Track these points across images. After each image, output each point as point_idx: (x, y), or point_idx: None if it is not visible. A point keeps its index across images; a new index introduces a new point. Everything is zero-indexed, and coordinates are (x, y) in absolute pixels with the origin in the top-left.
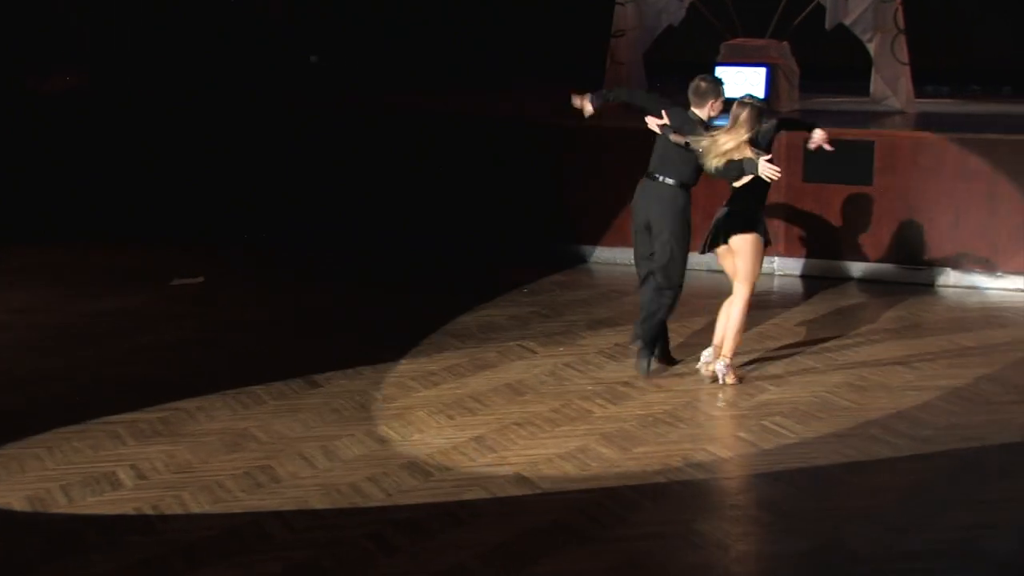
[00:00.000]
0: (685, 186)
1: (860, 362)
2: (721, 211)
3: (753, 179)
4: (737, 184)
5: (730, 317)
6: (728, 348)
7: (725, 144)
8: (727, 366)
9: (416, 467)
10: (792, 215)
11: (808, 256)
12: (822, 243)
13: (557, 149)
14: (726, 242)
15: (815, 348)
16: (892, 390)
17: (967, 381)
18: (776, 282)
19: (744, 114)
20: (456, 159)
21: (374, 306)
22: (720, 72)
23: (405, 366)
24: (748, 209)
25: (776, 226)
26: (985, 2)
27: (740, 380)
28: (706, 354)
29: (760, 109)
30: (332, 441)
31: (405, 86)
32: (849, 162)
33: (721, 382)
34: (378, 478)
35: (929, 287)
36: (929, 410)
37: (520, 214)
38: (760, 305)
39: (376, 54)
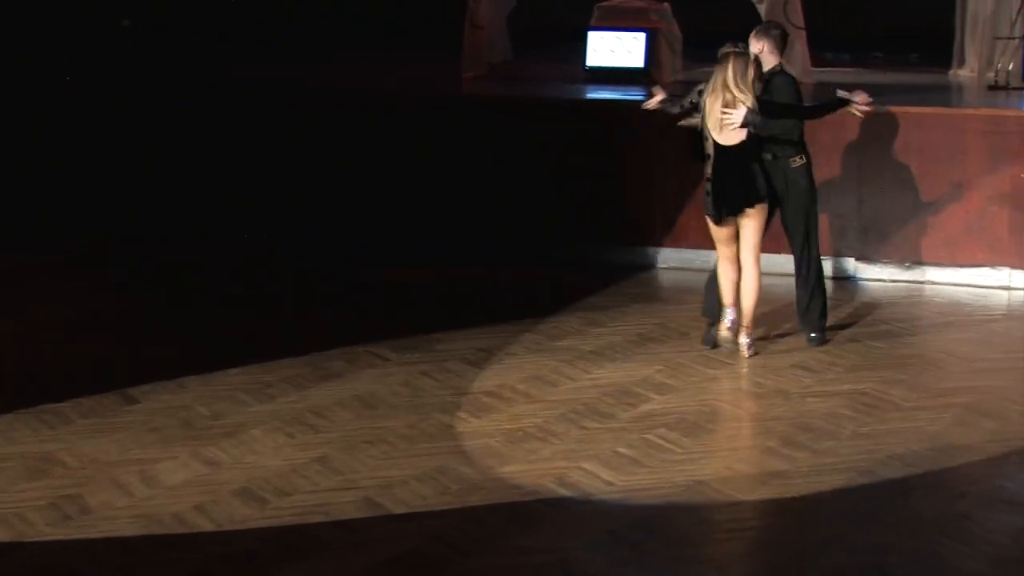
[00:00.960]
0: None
1: (755, 365)
2: (716, 176)
3: (749, 138)
4: (727, 143)
5: (747, 288)
6: (750, 319)
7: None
8: (753, 339)
9: (250, 493)
10: (671, 201)
11: (688, 247)
12: (707, 232)
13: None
14: (739, 212)
15: (702, 350)
16: (790, 396)
17: (873, 385)
18: (661, 277)
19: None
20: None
21: (207, 308)
22: (594, 38)
23: (237, 377)
24: (749, 172)
25: (650, 215)
26: None
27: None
28: (729, 320)
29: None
30: (152, 465)
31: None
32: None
33: (747, 355)
34: (206, 507)
35: (831, 279)
36: (831, 419)
37: (390, 211)
38: (643, 301)
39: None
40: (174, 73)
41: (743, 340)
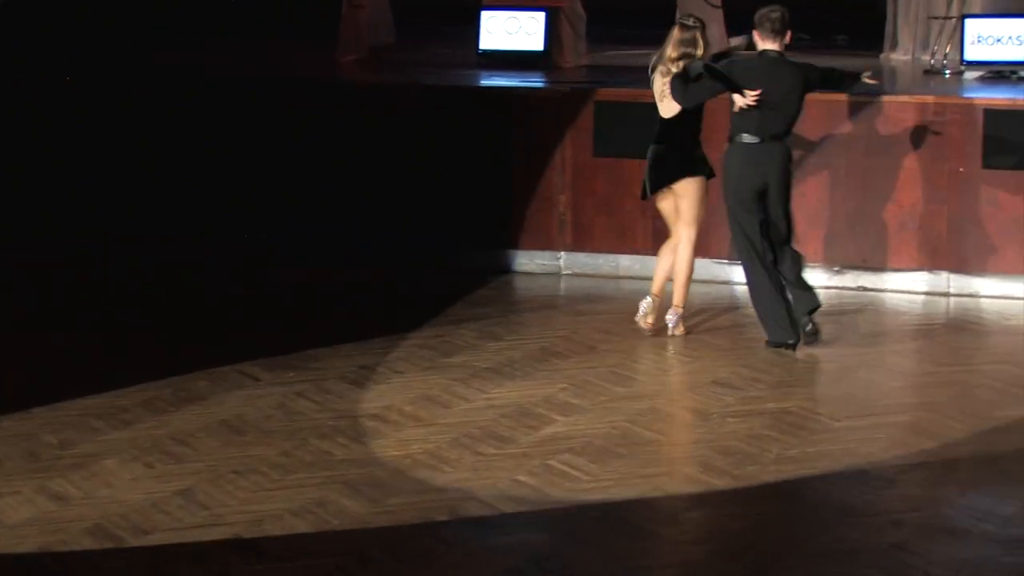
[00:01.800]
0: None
1: (671, 383)
2: (654, 150)
3: (685, 112)
4: (667, 116)
5: (678, 263)
6: (680, 297)
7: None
8: (680, 317)
9: (103, 532)
10: (578, 198)
11: (595, 251)
12: (618, 234)
13: None
14: (669, 185)
15: (612, 366)
16: (710, 417)
17: (800, 403)
18: (564, 283)
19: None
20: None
21: (56, 325)
22: (487, 18)
23: (89, 401)
24: (685, 146)
25: (545, 216)
26: None
27: (687, 333)
28: (645, 305)
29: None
30: None
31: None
32: (649, 130)
33: (671, 333)
34: (53, 547)
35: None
36: (754, 441)
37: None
38: (542, 311)
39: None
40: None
41: (670, 317)
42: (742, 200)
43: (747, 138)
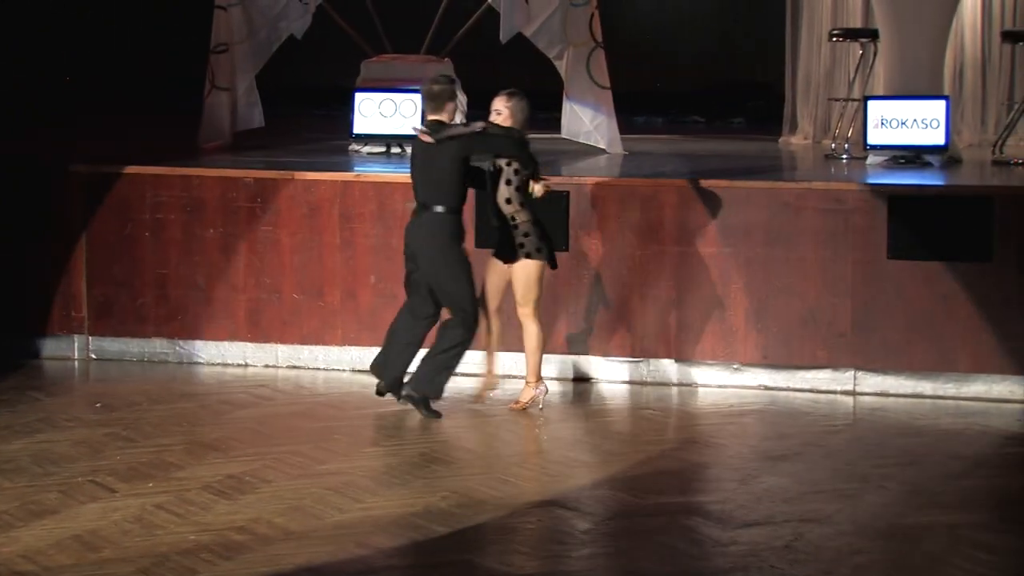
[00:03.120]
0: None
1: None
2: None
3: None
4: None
5: (528, 340)
6: (534, 371)
7: None
8: (541, 390)
9: None
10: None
11: (475, 348)
12: (502, 328)
13: None
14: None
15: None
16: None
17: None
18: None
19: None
20: None
21: None
22: (360, 100)
23: None
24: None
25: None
26: (704, 3)
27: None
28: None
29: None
30: None
31: None
32: None
33: (541, 406)
34: None
35: (639, 384)
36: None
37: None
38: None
39: None
40: None
41: (537, 392)
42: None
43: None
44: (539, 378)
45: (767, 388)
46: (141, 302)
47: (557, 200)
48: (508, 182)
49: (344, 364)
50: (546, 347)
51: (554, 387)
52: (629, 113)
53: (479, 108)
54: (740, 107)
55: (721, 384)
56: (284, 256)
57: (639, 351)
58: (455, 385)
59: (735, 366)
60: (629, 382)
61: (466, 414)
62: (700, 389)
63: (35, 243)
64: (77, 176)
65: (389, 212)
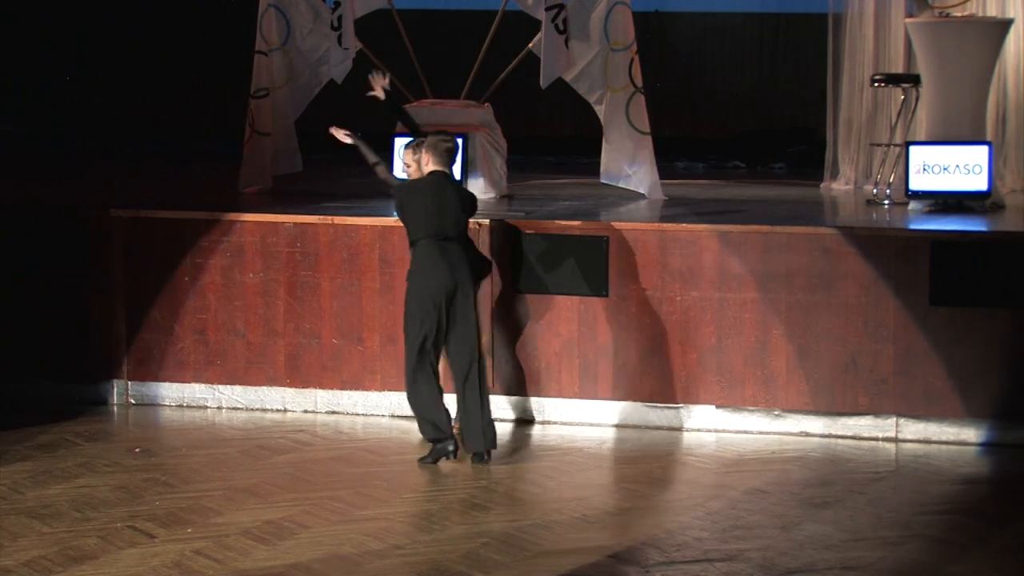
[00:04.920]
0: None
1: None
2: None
3: None
4: None
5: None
6: None
7: None
8: None
9: None
10: (500, 336)
11: (510, 392)
12: (540, 373)
13: None
14: None
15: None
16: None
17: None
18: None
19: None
20: None
21: None
22: (400, 145)
23: None
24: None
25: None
26: (750, 47)
27: None
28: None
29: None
30: None
31: None
32: (577, 266)
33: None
34: None
35: (678, 430)
36: None
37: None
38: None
39: None
40: None
41: None
42: None
43: None
44: None
45: (808, 434)
46: (180, 347)
47: (597, 245)
48: None
49: (383, 409)
50: (585, 394)
51: (595, 433)
52: (669, 158)
53: (518, 154)
54: (781, 152)
55: (762, 430)
56: (324, 301)
57: (680, 397)
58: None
59: (776, 412)
60: (669, 428)
61: (507, 460)
62: (741, 435)
63: (75, 288)
64: (117, 221)
65: None
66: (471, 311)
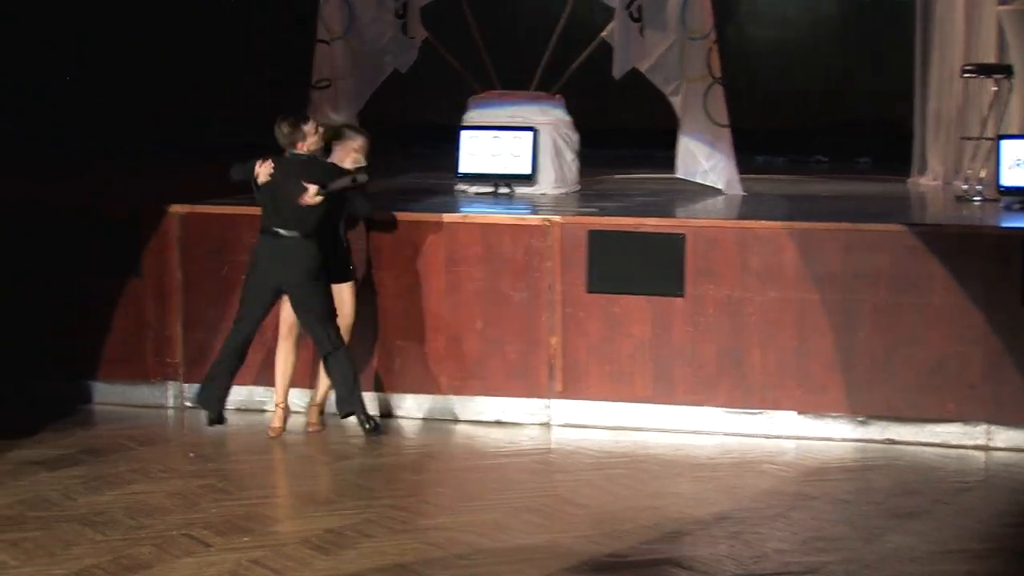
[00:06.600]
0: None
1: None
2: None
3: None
4: None
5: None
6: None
7: None
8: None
9: None
10: (570, 338)
11: (580, 397)
12: (611, 377)
13: None
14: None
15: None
16: None
17: None
18: (555, 436)
19: None
20: None
21: None
22: (467, 137)
23: (15, 572)
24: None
25: (546, 355)
26: (832, 37)
27: None
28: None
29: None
30: None
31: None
32: (651, 264)
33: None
34: None
35: (757, 437)
36: None
37: None
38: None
39: None
40: None
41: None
42: None
43: None
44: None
45: (893, 442)
46: None
47: (672, 243)
48: None
49: (447, 414)
50: (659, 398)
51: (670, 439)
52: (748, 152)
53: (590, 147)
54: (866, 146)
55: (845, 437)
56: (387, 300)
57: (758, 402)
58: (543, 434)
59: (860, 419)
60: (748, 435)
61: (577, 467)
62: (823, 443)
63: (129, 287)
64: (173, 217)
65: (497, 255)
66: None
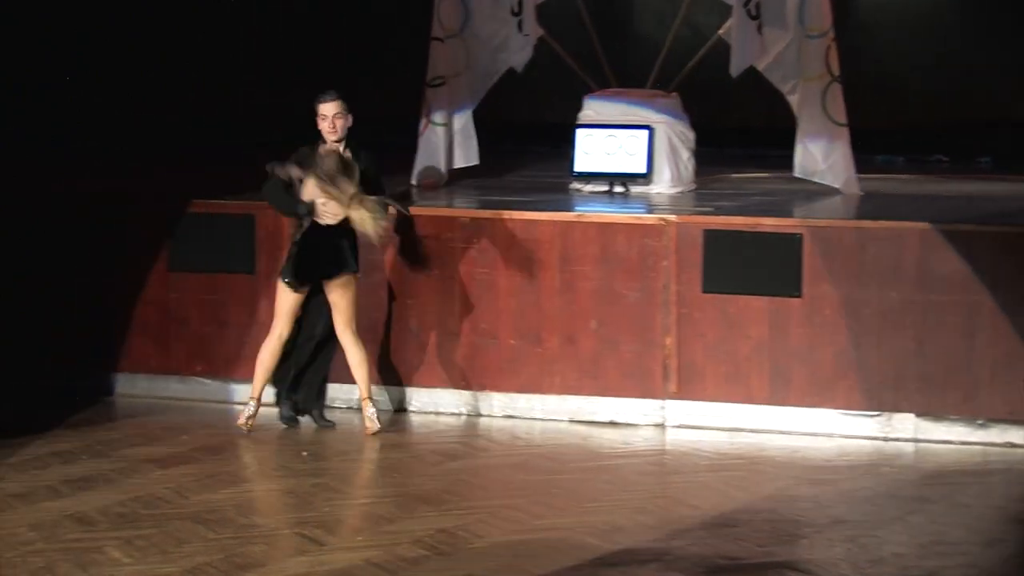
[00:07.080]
0: None
1: None
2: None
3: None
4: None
5: (359, 367)
6: (368, 389)
7: None
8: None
9: None
10: (685, 339)
11: (696, 398)
12: (727, 378)
13: None
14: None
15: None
16: None
17: None
18: (669, 437)
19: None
20: None
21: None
22: (583, 136)
23: (128, 569)
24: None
25: (661, 356)
26: (952, 34)
27: None
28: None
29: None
30: None
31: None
32: (768, 264)
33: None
34: None
35: (875, 439)
36: None
37: None
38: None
39: None
40: None
41: (370, 411)
42: None
43: None
44: None
45: (1015, 445)
46: None
47: (790, 243)
48: None
49: (562, 414)
50: (776, 400)
51: (786, 441)
52: (867, 151)
53: (707, 146)
54: (988, 145)
55: (964, 440)
56: (501, 300)
57: (875, 404)
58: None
59: (980, 421)
60: (865, 437)
61: (692, 469)
62: (942, 445)
63: (241, 283)
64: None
65: (612, 254)
66: None
